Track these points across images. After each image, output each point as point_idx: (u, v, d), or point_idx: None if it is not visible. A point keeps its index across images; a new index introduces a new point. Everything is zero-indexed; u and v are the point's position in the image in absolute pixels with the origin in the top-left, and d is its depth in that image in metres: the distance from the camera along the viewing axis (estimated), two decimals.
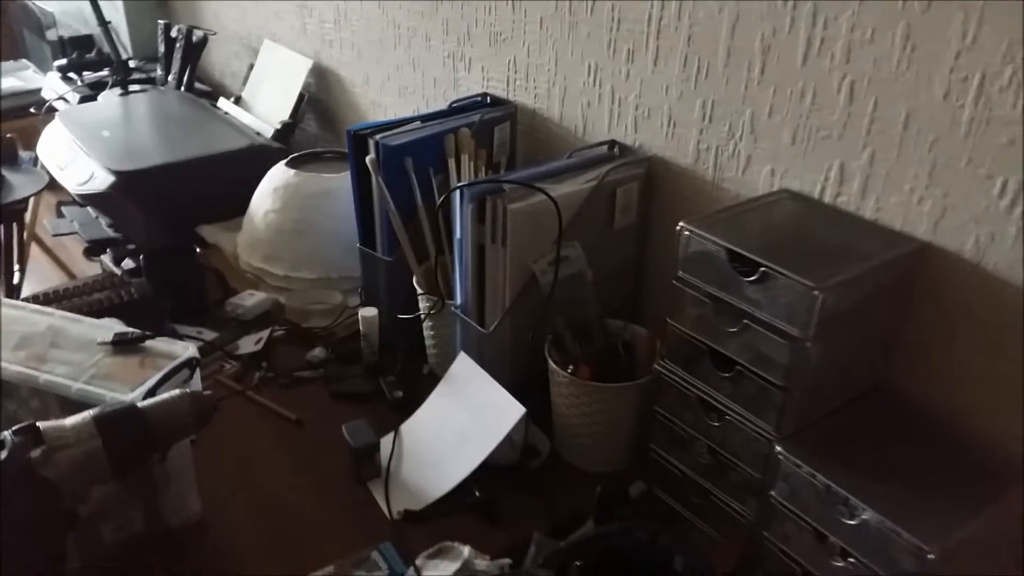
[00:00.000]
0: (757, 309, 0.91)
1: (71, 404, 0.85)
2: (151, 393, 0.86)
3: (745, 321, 0.92)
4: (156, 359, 0.92)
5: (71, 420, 0.76)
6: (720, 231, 0.95)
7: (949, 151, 0.90)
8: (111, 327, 0.97)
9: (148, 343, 0.94)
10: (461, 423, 1.17)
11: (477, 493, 1.10)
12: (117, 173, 1.64)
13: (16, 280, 2.16)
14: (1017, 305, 0.88)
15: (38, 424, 0.74)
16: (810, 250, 0.95)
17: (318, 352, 1.38)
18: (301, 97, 1.95)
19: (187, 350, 0.94)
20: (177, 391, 0.81)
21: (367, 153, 1.29)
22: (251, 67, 2.13)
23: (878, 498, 0.85)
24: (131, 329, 0.96)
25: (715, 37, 1.08)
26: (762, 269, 0.89)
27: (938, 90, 0.89)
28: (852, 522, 0.86)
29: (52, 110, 2.30)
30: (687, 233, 0.97)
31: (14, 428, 0.75)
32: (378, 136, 1.27)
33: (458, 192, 1.12)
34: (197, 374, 0.93)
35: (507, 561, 0.98)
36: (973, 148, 0.88)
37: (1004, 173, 0.86)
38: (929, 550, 0.80)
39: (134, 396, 0.83)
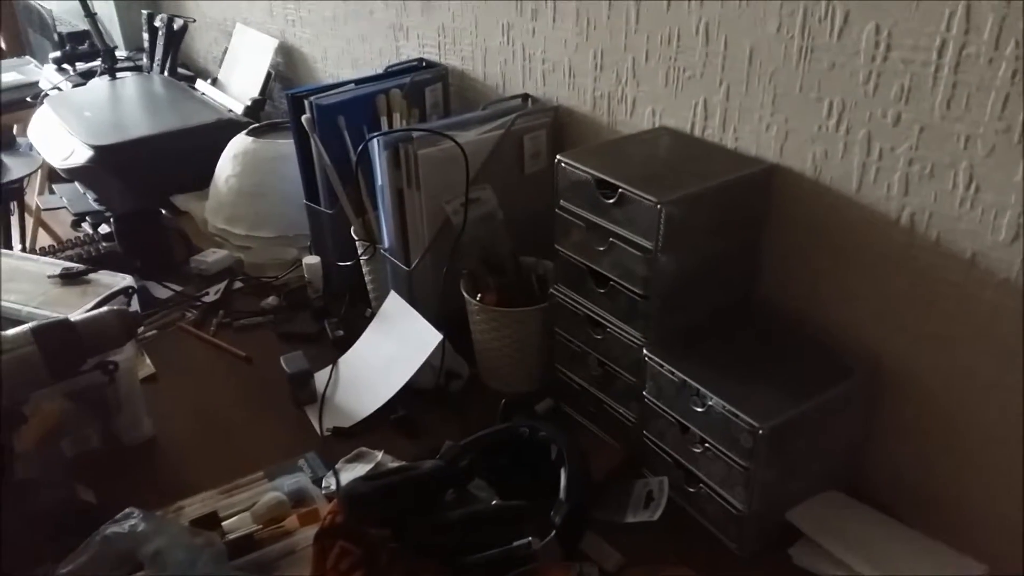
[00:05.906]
0: (619, 227, 1.02)
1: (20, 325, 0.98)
2: None
3: (611, 240, 1.04)
4: (98, 288, 1.06)
5: (11, 331, 0.90)
6: (589, 162, 1.06)
7: (786, 80, 1.00)
8: (61, 264, 1.10)
9: (92, 276, 1.07)
10: (389, 352, 1.29)
11: (400, 411, 1.22)
12: (95, 147, 1.78)
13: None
14: (851, 213, 0.99)
15: None
16: (669, 175, 1.06)
17: (271, 300, 1.51)
18: (269, 75, 2.08)
19: (124, 280, 1.07)
20: (105, 308, 0.94)
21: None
22: (226, 50, 2.26)
23: (723, 388, 0.96)
24: (77, 265, 1.09)
25: None
26: (619, 191, 1.00)
27: (772, 25, 0.99)
28: (701, 410, 0.97)
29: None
30: (563, 165, 1.08)
31: None
32: (313, 97, 1.40)
33: (374, 141, 1.24)
34: (135, 300, 1.07)
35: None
36: (804, 75, 0.98)
37: (830, 95, 0.96)
38: (760, 427, 0.91)
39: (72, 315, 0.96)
